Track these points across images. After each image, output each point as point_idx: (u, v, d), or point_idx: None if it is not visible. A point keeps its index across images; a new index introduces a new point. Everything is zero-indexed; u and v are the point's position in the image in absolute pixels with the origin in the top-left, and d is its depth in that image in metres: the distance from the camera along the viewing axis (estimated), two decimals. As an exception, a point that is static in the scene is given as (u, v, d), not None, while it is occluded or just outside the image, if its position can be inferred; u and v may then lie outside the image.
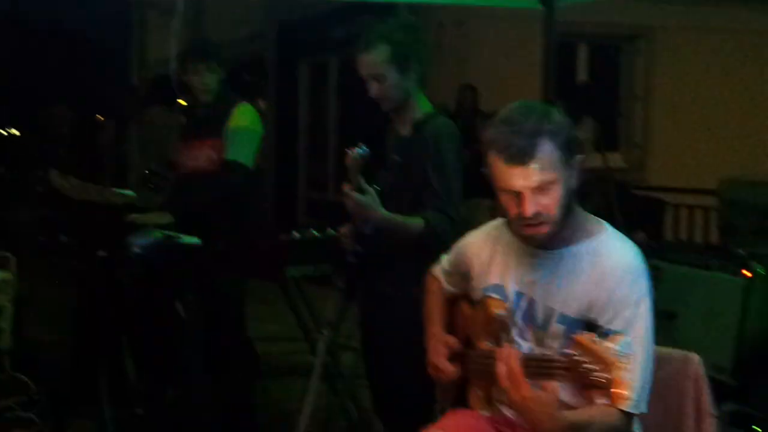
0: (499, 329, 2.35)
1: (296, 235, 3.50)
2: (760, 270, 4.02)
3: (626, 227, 4.36)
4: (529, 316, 2.30)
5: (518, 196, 2.13)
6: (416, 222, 2.97)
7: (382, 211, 2.92)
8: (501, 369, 1.99)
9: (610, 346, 1.83)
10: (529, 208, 2.12)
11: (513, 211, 2.16)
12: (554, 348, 2.20)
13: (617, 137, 10.43)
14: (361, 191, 2.89)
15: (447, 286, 2.62)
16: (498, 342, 2.36)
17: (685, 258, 4.37)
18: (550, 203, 2.13)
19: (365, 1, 6.65)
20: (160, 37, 16.47)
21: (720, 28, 10.32)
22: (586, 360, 1.85)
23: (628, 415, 2.11)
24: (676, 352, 2.49)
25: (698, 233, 7.31)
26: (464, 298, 2.55)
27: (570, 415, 1.99)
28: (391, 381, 3.21)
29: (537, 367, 2.02)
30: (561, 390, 2.03)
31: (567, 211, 2.17)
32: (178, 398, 3.99)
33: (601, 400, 1.94)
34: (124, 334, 3.79)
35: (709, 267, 4.23)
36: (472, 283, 2.48)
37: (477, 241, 2.49)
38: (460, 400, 2.52)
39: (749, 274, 4.02)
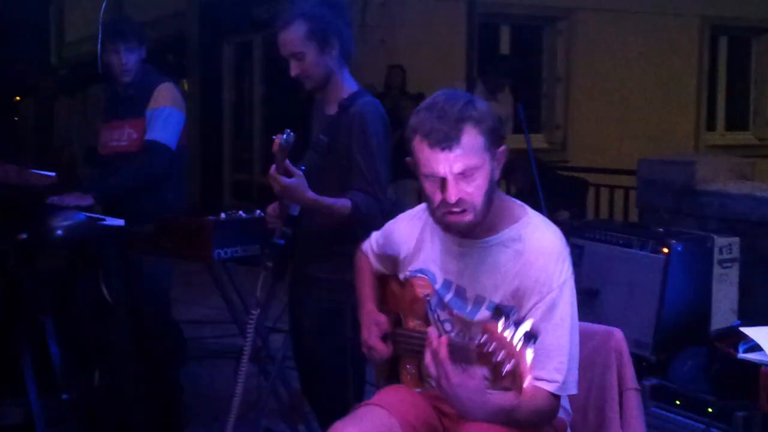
0: (425, 310, 2.37)
1: (223, 216, 3.47)
2: (679, 247, 4.13)
3: (550, 207, 4.45)
4: (458, 302, 2.32)
5: (442, 182, 2.14)
6: (343, 204, 2.96)
7: (310, 194, 2.90)
8: (428, 357, 2.00)
9: (519, 333, 1.81)
10: (453, 194, 2.13)
11: (436, 197, 2.17)
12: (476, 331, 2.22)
13: (539, 118, 10.57)
14: (288, 174, 2.87)
15: (376, 265, 2.64)
16: (425, 321, 2.39)
17: (606, 236, 4.46)
18: (473, 191, 2.15)
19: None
20: (79, 16, 16.17)
21: (639, 11, 10.52)
22: (497, 348, 1.83)
23: (555, 397, 2.16)
24: (599, 327, 2.54)
25: (618, 212, 7.46)
26: (393, 276, 2.57)
27: (497, 400, 2.00)
28: (319, 362, 3.21)
29: (457, 354, 2.01)
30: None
31: (490, 200, 2.19)
32: (106, 383, 3.94)
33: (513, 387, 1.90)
34: (48, 319, 3.71)
35: (629, 245, 4.32)
36: (400, 267, 2.49)
37: (404, 227, 2.50)
38: (393, 376, 2.54)
39: (667, 251, 4.14)
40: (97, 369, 3.99)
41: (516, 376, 1.78)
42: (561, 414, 2.32)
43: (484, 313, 2.26)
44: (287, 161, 2.85)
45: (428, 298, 2.36)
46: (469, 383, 1.93)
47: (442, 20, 9.16)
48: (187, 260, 3.60)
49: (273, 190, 2.96)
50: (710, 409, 3.29)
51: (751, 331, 2.64)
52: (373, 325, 2.53)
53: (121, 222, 3.71)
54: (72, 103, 8.11)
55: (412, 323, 2.45)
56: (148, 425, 3.88)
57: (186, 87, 12.02)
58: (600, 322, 2.62)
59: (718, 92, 11.90)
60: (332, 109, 3.14)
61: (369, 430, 2.29)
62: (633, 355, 2.53)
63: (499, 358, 1.80)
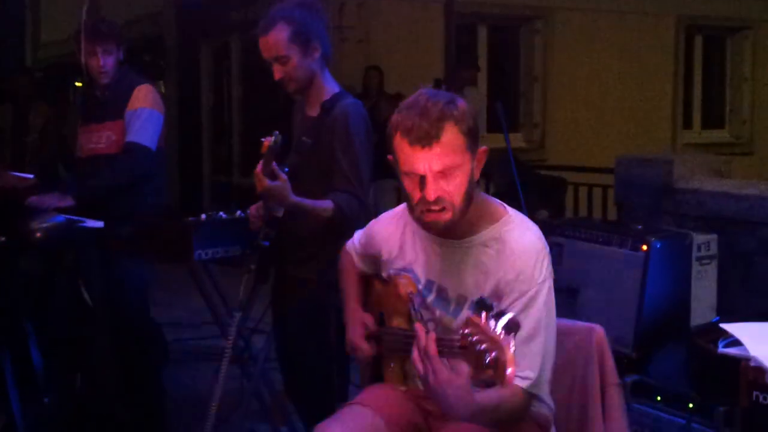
0: (408, 309, 2.38)
1: (204, 217, 3.46)
2: (658, 244, 4.15)
3: (529, 206, 4.46)
4: (440, 302, 2.33)
5: (421, 180, 2.14)
6: (326, 205, 2.96)
7: (293, 197, 2.89)
8: (416, 353, 2.00)
9: (501, 323, 1.81)
10: (432, 192, 2.13)
11: (416, 195, 2.17)
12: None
13: (517, 118, 10.61)
14: (273, 177, 2.87)
15: (360, 265, 2.64)
16: (408, 320, 2.40)
17: (586, 234, 4.47)
18: (452, 190, 2.15)
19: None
20: (54, 17, 16.06)
21: (616, 10, 10.58)
22: (480, 339, 1.84)
23: (529, 394, 2.17)
24: (580, 324, 2.56)
25: (597, 211, 7.49)
26: (376, 275, 2.58)
27: (479, 398, 2.00)
28: (303, 363, 3.21)
29: (442, 349, 2.00)
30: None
31: (469, 199, 2.20)
32: (87, 385, 3.92)
33: (495, 381, 1.90)
34: (28, 322, 3.69)
35: (609, 242, 4.34)
36: (382, 266, 2.50)
37: (386, 227, 2.51)
38: (377, 375, 2.54)
39: (646, 248, 4.16)
40: (78, 372, 3.97)
41: (498, 365, 1.78)
42: (545, 410, 2.34)
43: (466, 313, 2.26)
44: (274, 164, 2.84)
45: (411, 296, 2.36)
46: (456, 381, 1.93)
47: (420, 20, 9.18)
48: (168, 262, 3.59)
49: (257, 191, 2.96)
50: (691, 405, 3.31)
51: (731, 327, 2.67)
52: (358, 324, 2.54)
53: (100, 224, 3.69)
54: (48, 105, 8.04)
55: (396, 322, 2.45)
56: (130, 428, 3.87)
57: (163, 88, 11.97)
58: (580, 320, 2.63)
59: (694, 91, 11.99)
60: (314, 111, 3.14)
61: (353, 429, 2.29)
62: (613, 351, 2.54)
63: (482, 348, 1.80)
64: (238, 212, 3.51)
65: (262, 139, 2.86)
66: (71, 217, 3.69)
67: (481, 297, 2.25)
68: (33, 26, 16.48)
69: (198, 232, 3.37)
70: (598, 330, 2.50)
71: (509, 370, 1.77)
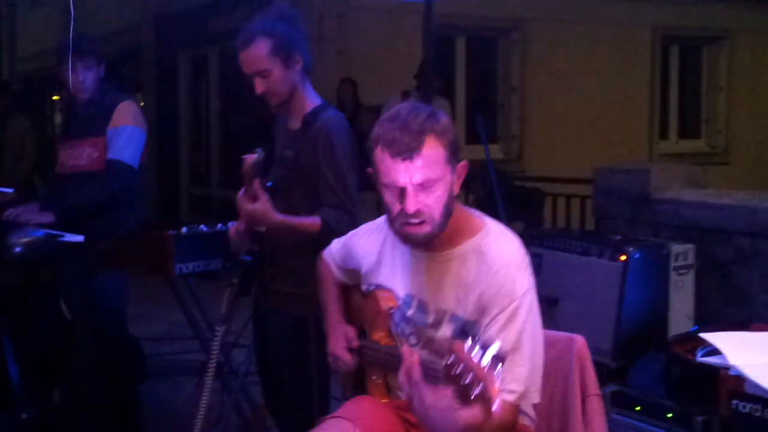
0: (389, 323, 2.38)
1: (185, 230, 3.45)
2: (636, 254, 4.19)
3: (508, 217, 4.48)
4: (421, 316, 2.32)
5: (401, 192, 2.14)
6: (312, 221, 2.94)
7: (277, 216, 2.88)
8: (402, 377, 1.98)
9: (487, 356, 1.77)
10: (412, 205, 2.13)
11: (395, 207, 2.17)
12: (443, 348, 2.20)
13: (495, 129, 10.65)
14: (255, 197, 2.86)
15: (339, 275, 2.64)
16: (389, 334, 2.39)
17: (565, 245, 4.50)
18: (432, 203, 2.15)
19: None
20: (32, 31, 15.99)
21: (593, 21, 10.65)
22: (464, 370, 1.80)
23: (516, 407, 2.17)
24: (561, 335, 2.56)
25: (575, 221, 7.53)
26: (356, 287, 2.58)
27: (465, 418, 1.96)
28: (283, 376, 3.19)
29: (426, 373, 1.99)
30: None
31: (449, 213, 2.20)
32: (65, 401, 3.89)
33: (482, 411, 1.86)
34: (6, 337, 3.67)
35: (587, 252, 4.37)
36: (362, 280, 2.49)
37: (365, 240, 2.51)
38: (359, 387, 2.54)
39: (625, 258, 4.19)
40: (56, 387, 3.95)
41: (485, 399, 1.77)
42: (526, 421, 2.34)
43: (447, 326, 2.26)
44: (256, 183, 2.83)
45: (392, 311, 2.36)
46: (441, 404, 1.91)
47: (399, 31, 9.20)
48: (148, 275, 3.58)
49: (240, 214, 2.95)
50: (670, 414, 3.33)
51: (710, 337, 2.69)
52: (340, 336, 2.53)
53: (80, 238, 3.67)
54: (25, 119, 8.01)
55: (377, 335, 2.45)
56: (109, 443, 3.85)
57: (141, 101, 11.94)
58: (560, 330, 2.64)
59: (670, 101, 12.08)
60: (296, 124, 3.12)
61: (334, 442, 2.29)
62: (592, 362, 2.55)
63: (467, 381, 1.78)
64: (219, 225, 3.50)
65: (244, 156, 2.85)
66: (51, 231, 3.68)
67: (459, 316, 2.24)
68: (9, 40, 16.40)
69: (179, 245, 3.36)
70: (579, 340, 2.50)
71: (495, 405, 1.76)
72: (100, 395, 3.83)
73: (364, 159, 2.26)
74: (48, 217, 3.80)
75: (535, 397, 2.23)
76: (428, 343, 2.30)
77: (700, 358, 2.89)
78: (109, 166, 3.93)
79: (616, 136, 10.75)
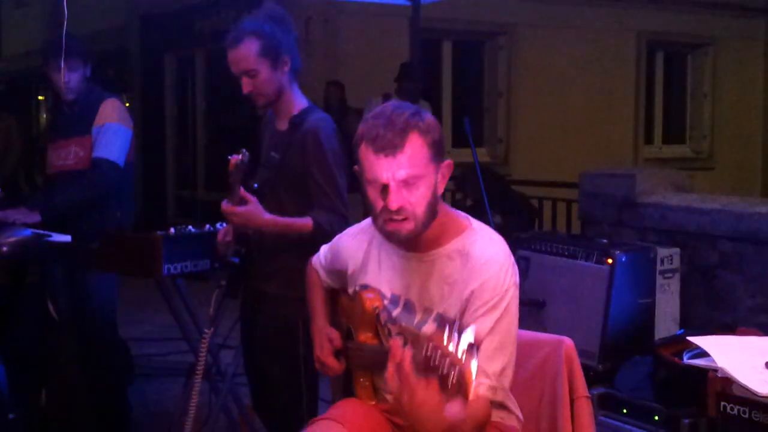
0: (375, 324, 2.38)
1: (173, 231, 3.44)
2: (623, 258, 4.21)
3: (512, 221, 4.49)
4: (407, 316, 2.33)
5: (384, 188, 2.15)
6: (304, 223, 2.94)
7: (267, 216, 2.89)
8: (390, 369, 1.97)
9: (463, 344, 1.77)
10: (394, 201, 2.15)
11: (378, 204, 2.19)
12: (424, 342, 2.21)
13: (482, 133, 10.68)
14: (242, 201, 2.86)
15: (326, 279, 2.65)
16: (376, 335, 2.40)
17: (552, 248, 4.52)
18: (415, 200, 2.17)
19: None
20: (16, 31, 15.91)
21: (578, 26, 10.71)
22: (442, 361, 1.80)
23: (490, 403, 2.17)
24: (549, 337, 2.57)
25: (561, 225, 7.55)
26: (343, 290, 2.58)
27: (449, 416, 1.98)
28: (271, 378, 3.19)
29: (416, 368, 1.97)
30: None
31: (433, 212, 2.22)
32: (52, 401, 3.88)
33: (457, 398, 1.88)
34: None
35: (574, 256, 4.38)
36: (348, 281, 2.50)
37: (351, 241, 2.51)
38: (348, 389, 2.54)
39: (612, 262, 4.21)
40: (43, 388, 3.93)
41: (461, 387, 1.77)
42: (513, 421, 2.35)
43: (432, 325, 2.27)
44: (240, 188, 2.83)
45: (377, 311, 2.37)
46: (430, 401, 1.91)
47: (386, 36, 9.22)
48: (136, 276, 3.57)
49: (231, 222, 2.95)
50: (657, 417, 3.35)
51: (697, 340, 2.71)
52: (325, 340, 2.53)
53: (67, 238, 3.66)
54: (10, 119, 7.98)
55: (363, 337, 2.45)
56: (97, 444, 3.84)
57: (127, 102, 11.90)
58: (547, 333, 2.65)
59: (655, 106, 12.15)
60: (283, 125, 3.12)
61: (321, 444, 2.29)
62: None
63: (444, 371, 1.79)
64: (207, 226, 3.50)
65: (229, 157, 2.85)
66: (38, 231, 3.66)
67: (443, 314, 2.25)
68: (-6, 38, 16.31)
69: (167, 246, 3.36)
70: (567, 342, 2.52)
71: (471, 392, 1.76)
72: (88, 396, 3.82)
73: (351, 161, 2.27)
74: (34, 217, 3.78)
75: (507, 396, 2.25)
76: (414, 342, 2.30)
77: (689, 360, 2.91)
78: (94, 164, 3.93)
79: (601, 141, 10.80)
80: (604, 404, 3.57)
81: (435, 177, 2.20)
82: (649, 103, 11.95)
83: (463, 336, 1.78)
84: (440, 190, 2.25)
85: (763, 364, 2.50)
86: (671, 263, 4.44)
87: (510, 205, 6.90)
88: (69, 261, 3.73)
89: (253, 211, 2.86)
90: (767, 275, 4.32)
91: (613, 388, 3.66)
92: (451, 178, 2.37)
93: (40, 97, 15.14)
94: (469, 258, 2.24)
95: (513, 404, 2.36)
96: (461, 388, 1.77)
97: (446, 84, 10.52)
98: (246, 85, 3.03)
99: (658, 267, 4.39)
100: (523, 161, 10.33)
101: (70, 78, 3.96)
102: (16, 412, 3.51)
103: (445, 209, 2.33)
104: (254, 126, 3.36)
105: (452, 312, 2.25)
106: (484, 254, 2.23)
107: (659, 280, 4.40)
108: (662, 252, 4.42)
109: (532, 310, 4.37)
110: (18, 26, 15.79)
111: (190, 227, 3.51)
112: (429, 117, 2.21)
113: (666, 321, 4.40)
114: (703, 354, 2.67)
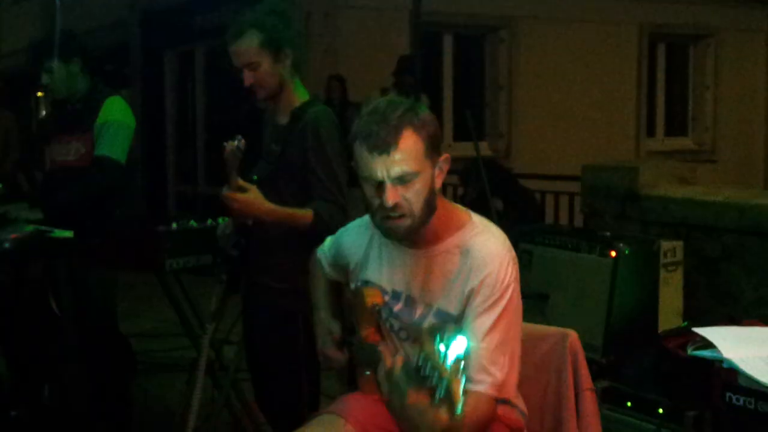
0: (376, 319, 2.37)
1: (175, 225, 3.44)
2: (626, 250, 4.19)
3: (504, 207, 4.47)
4: (408, 311, 2.32)
5: (379, 186, 2.14)
6: (304, 213, 2.94)
7: (267, 204, 2.89)
8: (381, 375, 1.98)
9: (451, 355, 1.74)
10: (390, 199, 2.13)
11: (375, 201, 2.17)
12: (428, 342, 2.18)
13: (483, 127, 10.66)
14: (242, 189, 2.85)
15: (330, 272, 2.63)
16: (378, 330, 2.39)
17: (555, 241, 4.51)
18: (411, 197, 2.15)
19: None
20: (14, 27, 15.89)
21: (579, 19, 10.69)
22: (431, 373, 1.76)
23: (493, 399, 2.15)
24: (553, 329, 2.56)
25: (564, 218, 7.54)
26: (347, 284, 2.57)
27: (443, 418, 1.97)
28: (273, 372, 3.19)
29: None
30: None
31: (430, 207, 2.20)
32: (54, 397, 3.87)
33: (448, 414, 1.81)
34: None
35: (578, 249, 4.38)
36: (350, 276, 2.49)
37: (352, 236, 2.50)
38: (352, 383, 2.53)
39: (615, 254, 4.20)
40: (45, 384, 3.93)
41: (449, 403, 1.74)
42: (517, 415, 2.35)
43: (433, 321, 2.26)
44: (236, 175, 2.83)
45: (377, 308, 2.35)
46: (419, 404, 1.86)
47: (386, 30, 9.21)
48: (138, 271, 3.56)
49: (231, 210, 2.94)
50: (661, 410, 3.33)
51: (702, 331, 2.69)
52: (326, 333, 2.53)
53: (69, 234, 3.65)
54: (9, 115, 7.98)
55: (365, 331, 2.44)
56: (99, 440, 3.83)
57: (126, 96, 11.88)
58: (550, 326, 2.64)
59: (657, 99, 12.13)
60: (284, 119, 3.12)
61: (324, 438, 2.28)
62: (583, 357, 2.55)
63: (434, 383, 1.76)
64: (209, 221, 3.48)
65: (224, 144, 2.85)
66: (40, 227, 3.65)
67: (441, 309, 2.24)
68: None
69: (169, 241, 3.35)
70: (572, 335, 2.50)
71: (459, 407, 1.73)
72: (90, 392, 3.81)
73: (349, 154, 2.26)
74: (36, 214, 3.77)
75: (511, 391, 2.23)
76: (418, 338, 2.29)
77: (693, 352, 2.90)
78: (96, 162, 3.91)
79: (603, 134, 10.79)
80: (607, 397, 3.55)
81: (432, 172, 2.18)
82: (651, 95, 11.93)
83: (453, 346, 1.75)
84: (438, 185, 2.23)
85: (769, 355, 2.48)
86: (674, 256, 4.44)
87: (515, 197, 6.89)
88: (70, 257, 3.72)
89: (254, 198, 2.86)
90: (771, 267, 4.31)
91: (617, 381, 3.64)
92: (455, 173, 2.35)
93: (39, 93, 15.12)
94: (469, 253, 2.23)
95: (518, 398, 2.35)
96: (448, 404, 1.74)
97: (447, 78, 10.49)
98: (247, 78, 3.04)
99: (662, 260, 4.39)
100: (525, 155, 10.32)
101: (54, 78, 3.94)
102: (18, 408, 3.51)
103: (445, 204, 2.31)
104: (255, 120, 3.35)
105: (452, 308, 2.24)
106: (484, 249, 2.22)
107: (662, 272, 4.40)
108: (665, 245, 4.41)
109: (536, 303, 4.36)
110: (17, 22, 15.78)
111: (191, 222, 3.50)
112: (424, 112, 2.19)
113: (669, 313, 4.40)
114: (708, 345, 2.66)
